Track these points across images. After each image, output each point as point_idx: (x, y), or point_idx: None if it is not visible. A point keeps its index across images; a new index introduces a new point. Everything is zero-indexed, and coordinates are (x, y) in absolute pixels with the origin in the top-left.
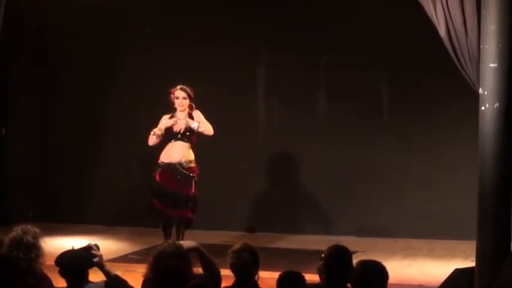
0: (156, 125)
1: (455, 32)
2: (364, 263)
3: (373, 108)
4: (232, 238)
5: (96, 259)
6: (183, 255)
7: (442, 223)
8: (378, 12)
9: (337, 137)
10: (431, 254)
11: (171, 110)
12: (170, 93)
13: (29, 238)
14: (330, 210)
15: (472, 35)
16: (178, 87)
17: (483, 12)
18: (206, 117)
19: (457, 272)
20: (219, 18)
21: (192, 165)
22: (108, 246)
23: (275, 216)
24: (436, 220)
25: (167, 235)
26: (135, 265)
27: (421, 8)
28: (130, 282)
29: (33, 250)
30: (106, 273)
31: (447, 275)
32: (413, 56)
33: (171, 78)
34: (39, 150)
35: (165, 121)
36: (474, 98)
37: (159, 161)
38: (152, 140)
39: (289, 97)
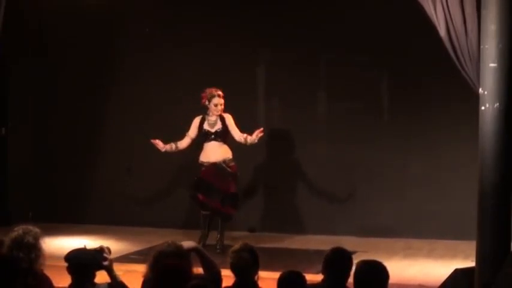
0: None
1: (455, 32)
2: (364, 263)
3: (373, 108)
4: (233, 238)
5: (106, 262)
6: (183, 255)
7: (442, 223)
8: (378, 12)
9: (337, 137)
10: (432, 254)
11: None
12: (202, 97)
13: (30, 239)
14: (330, 210)
15: (472, 35)
16: (216, 92)
17: (483, 12)
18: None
19: (457, 272)
20: (219, 18)
21: (233, 163)
22: (108, 246)
23: (275, 217)
24: (436, 220)
25: (206, 228)
26: (135, 265)
27: (421, 8)
28: (131, 282)
29: (34, 251)
30: (113, 277)
31: (447, 275)
32: (413, 56)
33: (171, 78)
34: (39, 150)
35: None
36: (474, 98)
37: (200, 161)
38: (183, 144)
39: (289, 97)
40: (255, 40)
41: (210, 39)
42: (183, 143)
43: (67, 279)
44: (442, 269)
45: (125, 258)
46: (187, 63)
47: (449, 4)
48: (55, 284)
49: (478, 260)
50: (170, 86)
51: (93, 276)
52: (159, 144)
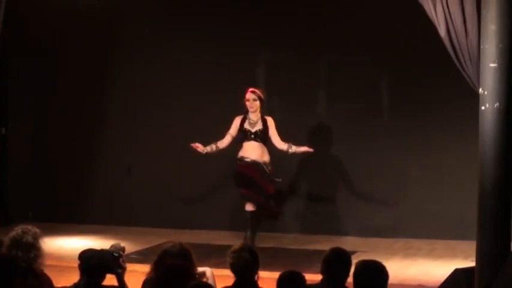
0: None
1: (455, 32)
2: (363, 263)
3: (373, 108)
4: (233, 238)
5: (120, 270)
6: (187, 255)
7: (442, 223)
8: (378, 12)
9: (337, 137)
10: (431, 254)
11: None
12: (244, 97)
13: (29, 238)
14: (330, 210)
15: (472, 35)
16: (250, 90)
17: (483, 12)
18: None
19: (457, 272)
20: (219, 18)
21: (270, 167)
22: (108, 246)
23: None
24: (436, 220)
25: (253, 225)
26: (135, 265)
27: (421, 8)
28: (131, 282)
29: (32, 250)
30: (121, 284)
31: (447, 275)
32: (413, 56)
33: (171, 79)
34: (39, 150)
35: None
36: (474, 98)
37: (240, 156)
38: (225, 142)
39: (289, 97)
40: (255, 40)
41: (210, 39)
42: (224, 142)
43: (67, 279)
44: (442, 269)
45: (125, 258)
46: (187, 63)
47: (449, 4)
48: (55, 284)
49: (478, 260)
50: (170, 85)
51: (103, 278)
52: (199, 147)
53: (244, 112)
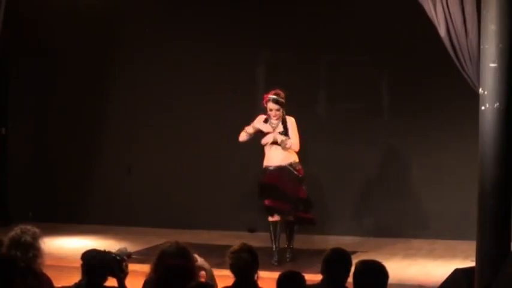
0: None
1: (455, 32)
2: (364, 263)
3: (373, 108)
4: (233, 238)
5: (122, 274)
6: (186, 255)
7: (442, 223)
8: (378, 12)
9: (337, 137)
10: (431, 254)
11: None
12: (263, 98)
13: (28, 238)
14: (330, 210)
15: (472, 35)
16: (272, 97)
17: (483, 12)
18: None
19: (457, 272)
20: (219, 18)
21: (300, 166)
22: (108, 246)
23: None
24: (436, 220)
25: (276, 238)
26: (135, 265)
27: (421, 8)
28: (131, 282)
29: (31, 250)
30: (121, 287)
31: (447, 275)
32: (413, 56)
33: (171, 79)
34: (39, 150)
35: (258, 124)
36: (474, 98)
37: (264, 166)
38: (243, 136)
39: (289, 97)
40: (255, 40)
41: (210, 39)
42: (244, 136)
43: (67, 279)
44: (442, 269)
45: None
46: (187, 63)
47: (449, 4)
48: (55, 284)
49: (478, 260)
50: (170, 85)
51: (105, 279)
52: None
53: (266, 113)
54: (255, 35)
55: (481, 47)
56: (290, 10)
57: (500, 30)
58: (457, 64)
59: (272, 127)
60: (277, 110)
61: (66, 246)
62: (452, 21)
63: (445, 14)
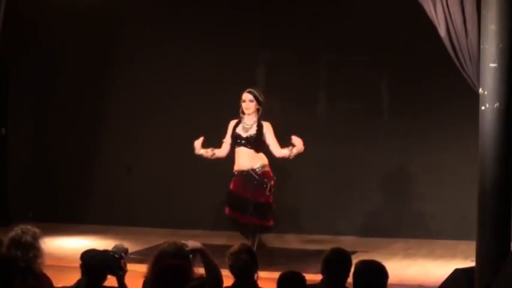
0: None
1: (455, 32)
2: (364, 263)
3: (373, 108)
4: (233, 238)
5: (121, 272)
6: (183, 255)
7: (442, 223)
8: (378, 12)
9: (337, 137)
10: (431, 254)
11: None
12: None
13: (28, 238)
14: (330, 210)
15: (472, 35)
16: (247, 90)
17: (483, 12)
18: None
19: (457, 272)
20: (219, 18)
21: (265, 169)
22: (108, 246)
23: (275, 216)
24: (436, 220)
25: (252, 240)
26: (135, 265)
27: (421, 8)
28: (131, 282)
29: (32, 250)
30: (121, 286)
31: (447, 275)
32: (413, 56)
33: (171, 79)
34: (39, 150)
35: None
36: (474, 98)
37: (234, 170)
38: (206, 152)
39: (289, 97)
40: (255, 40)
41: (210, 39)
42: (222, 151)
43: (67, 279)
44: (442, 269)
45: (125, 258)
46: (187, 63)
47: (449, 4)
48: (55, 284)
49: (478, 260)
50: (170, 85)
51: (104, 279)
52: (197, 147)
53: (240, 115)
54: (255, 35)
55: (481, 47)
56: (290, 10)
57: (500, 30)
58: (457, 64)
59: (244, 128)
60: (251, 101)
61: (66, 246)
62: (452, 21)
63: (445, 14)
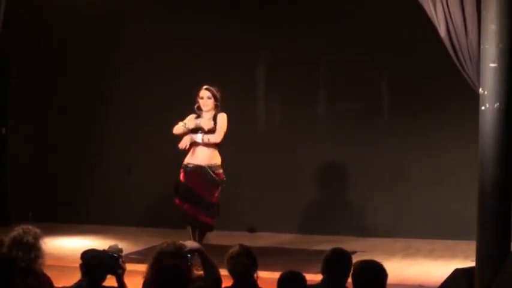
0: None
1: (455, 32)
2: (363, 263)
3: (373, 108)
4: (233, 238)
5: (120, 270)
6: (183, 255)
7: (442, 223)
8: (378, 12)
9: (337, 137)
10: (431, 254)
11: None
12: (197, 94)
13: (29, 238)
14: (330, 210)
15: (472, 35)
16: (204, 87)
17: (483, 12)
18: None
19: (457, 272)
20: (219, 18)
21: (220, 170)
22: (108, 246)
23: (275, 216)
24: (436, 220)
25: (194, 235)
26: (135, 265)
27: (421, 8)
28: (131, 282)
29: (33, 250)
30: (121, 285)
31: (447, 275)
32: (413, 56)
33: (171, 79)
34: (39, 150)
35: (201, 121)
36: (474, 98)
37: (185, 163)
38: (178, 130)
39: (289, 97)
40: (255, 40)
41: (210, 39)
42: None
43: (67, 279)
44: (442, 269)
45: (125, 258)
46: (187, 63)
47: (449, 4)
48: (55, 284)
49: (478, 260)
50: (170, 85)
51: (104, 279)
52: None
53: (197, 110)
54: (255, 35)
55: (481, 47)
56: (290, 10)
57: (500, 30)
58: (457, 64)
59: (202, 122)
60: (208, 97)
61: (66, 246)
62: (452, 21)
63: (445, 14)
